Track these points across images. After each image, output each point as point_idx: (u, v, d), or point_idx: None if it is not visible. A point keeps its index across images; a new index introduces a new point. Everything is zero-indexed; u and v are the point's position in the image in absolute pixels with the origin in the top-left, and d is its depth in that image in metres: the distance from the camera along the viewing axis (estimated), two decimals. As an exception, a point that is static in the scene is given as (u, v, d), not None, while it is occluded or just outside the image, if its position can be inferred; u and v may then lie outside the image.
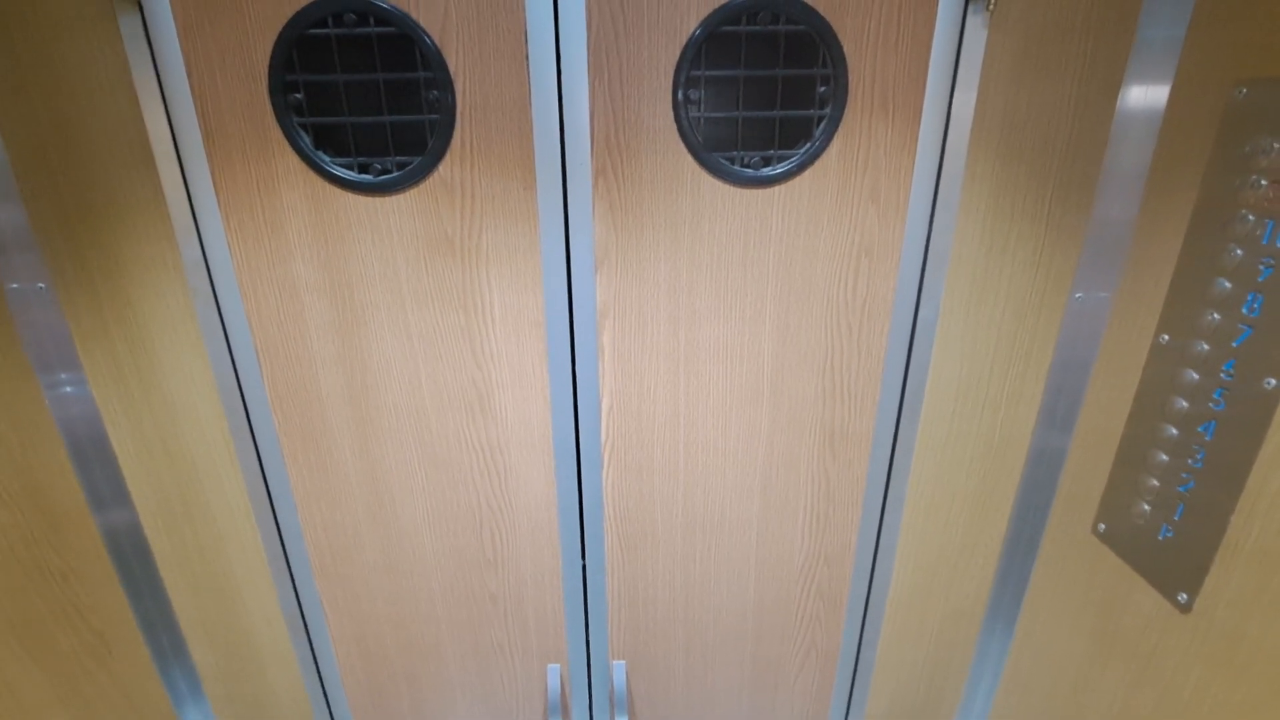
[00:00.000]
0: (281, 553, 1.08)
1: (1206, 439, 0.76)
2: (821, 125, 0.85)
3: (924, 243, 0.90)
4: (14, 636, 0.93)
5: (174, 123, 0.83)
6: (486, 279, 0.92)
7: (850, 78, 0.82)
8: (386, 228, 0.89)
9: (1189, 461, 0.78)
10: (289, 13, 0.79)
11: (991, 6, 0.78)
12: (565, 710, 1.22)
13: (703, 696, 1.24)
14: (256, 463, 1.01)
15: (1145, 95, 0.78)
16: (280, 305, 0.93)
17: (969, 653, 1.16)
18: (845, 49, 0.81)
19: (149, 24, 0.78)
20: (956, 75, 0.81)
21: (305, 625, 1.14)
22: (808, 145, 0.85)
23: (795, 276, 0.92)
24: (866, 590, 1.13)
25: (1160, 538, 0.82)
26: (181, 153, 0.84)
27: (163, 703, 1.10)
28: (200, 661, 1.12)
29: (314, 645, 1.16)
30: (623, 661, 1.19)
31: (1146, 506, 0.84)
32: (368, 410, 0.99)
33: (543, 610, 1.14)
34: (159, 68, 0.80)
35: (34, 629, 0.94)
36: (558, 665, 1.19)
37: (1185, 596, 0.79)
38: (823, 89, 0.83)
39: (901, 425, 1.00)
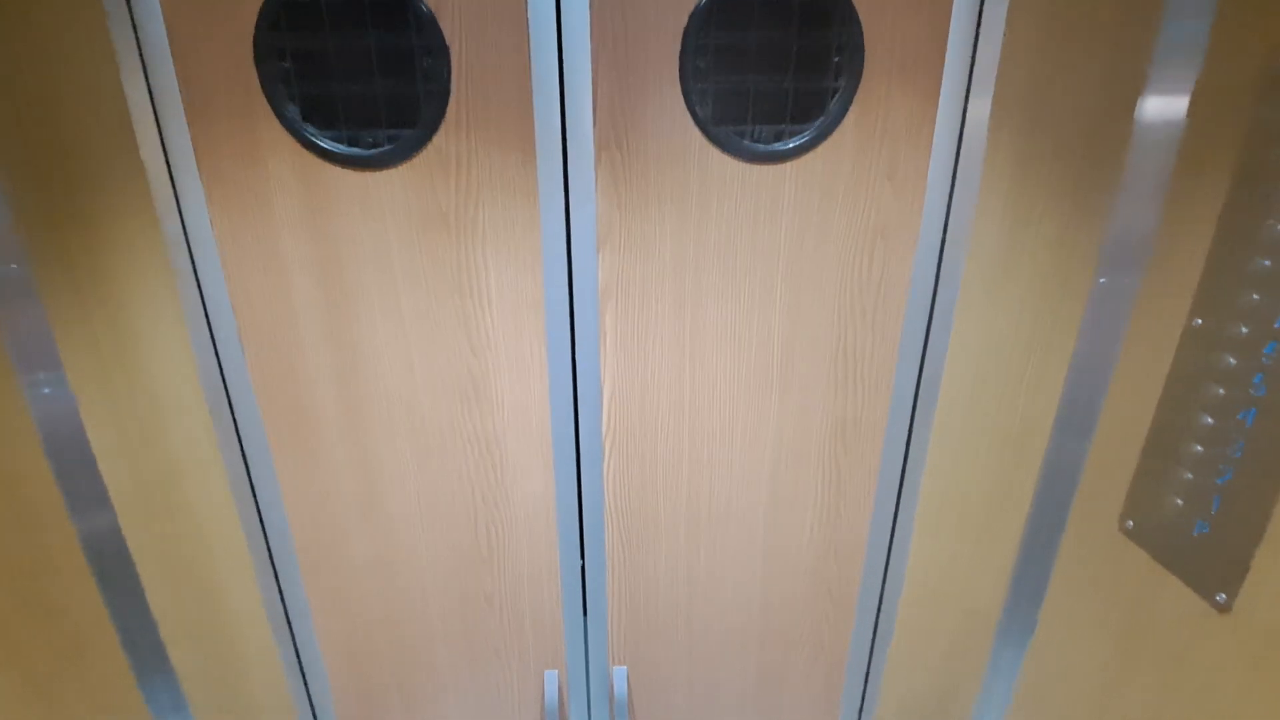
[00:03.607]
0: (265, 549, 1.03)
1: (1246, 427, 0.71)
2: (836, 97, 0.81)
3: (943, 221, 0.86)
4: (-21, 637, 0.88)
5: (154, 91, 0.79)
6: (483, 258, 0.87)
7: (866, 45, 0.79)
8: (378, 203, 0.85)
9: (1226, 451, 0.74)
10: (276, -27, 0.75)
11: (1016, -31, 0.74)
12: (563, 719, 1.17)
13: (706, 703, 1.20)
14: (239, 453, 0.97)
15: (1179, 59, 0.74)
16: (265, 285, 0.88)
17: (984, 655, 1.11)
18: (860, 14, 0.77)
19: None
20: (978, 42, 0.78)
21: (290, 626, 1.09)
22: (821, 118, 0.82)
23: (807, 257, 0.88)
24: (878, 588, 1.09)
25: (1195, 534, 0.78)
26: (162, 123, 0.80)
27: (140, 709, 1.05)
28: (180, 665, 1.07)
29: (299, 647, 1.11)
30: (624, 667, 1.14)
31: (1179, 501, 0.79)
32: (357, 397, 0.95)
33: (540, 612, 1.10)
34: (139, 33, 0.77)
35: (1, 630, 0.89)
36: (555, 671, 1.14)
37: (1224, 596, 0.74)
38: (837, 58, 0.79)
39: (917, 414, 0.96)
